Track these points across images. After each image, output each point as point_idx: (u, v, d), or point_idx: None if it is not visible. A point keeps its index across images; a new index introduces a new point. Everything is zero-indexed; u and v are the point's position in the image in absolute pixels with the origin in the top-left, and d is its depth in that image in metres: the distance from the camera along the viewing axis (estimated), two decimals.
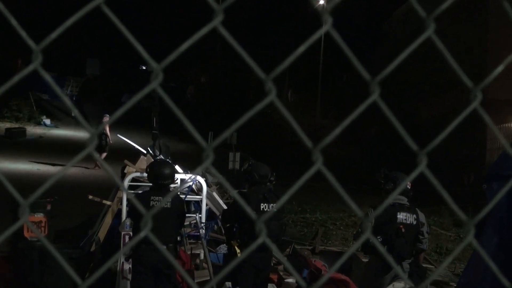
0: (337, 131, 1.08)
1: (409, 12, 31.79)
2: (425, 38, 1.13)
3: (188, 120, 1.04)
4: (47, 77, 0.97)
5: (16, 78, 0.96)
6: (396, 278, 7.18)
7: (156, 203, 7.29)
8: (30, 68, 0.96)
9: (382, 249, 1.21)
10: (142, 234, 1.04)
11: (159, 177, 7.51)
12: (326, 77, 42.20)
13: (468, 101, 1.24)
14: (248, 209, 1.21)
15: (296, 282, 8.05)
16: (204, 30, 1.04)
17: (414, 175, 1.15)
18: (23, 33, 0.96)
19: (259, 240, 1.07)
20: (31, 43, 0.96)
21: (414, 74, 29.58)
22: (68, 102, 0.96)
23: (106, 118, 23.18)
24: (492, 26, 23.70)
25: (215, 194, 11.28)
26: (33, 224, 9.33)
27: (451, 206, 1.16)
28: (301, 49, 1.08)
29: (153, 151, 11.56)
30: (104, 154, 22.96)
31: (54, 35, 0.97)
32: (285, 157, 27.31)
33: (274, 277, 9.33)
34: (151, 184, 7.99)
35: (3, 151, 25.34)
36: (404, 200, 7.62)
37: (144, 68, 22.84)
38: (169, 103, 1.04)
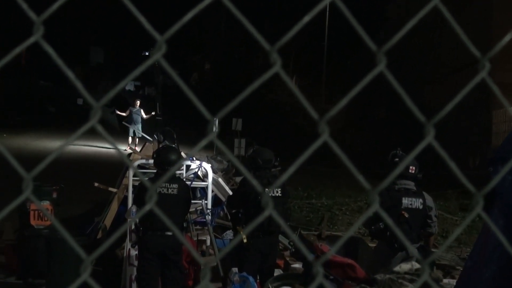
0: (344, 101, 1.07)
1: None
2: (431, 7, 1.12)
3: (192, 93, 1.02)
4: (49, 49, 0.95)
5: (17, 50, 0.95)
6: (403, 261, 7.16)
7: (162, 190, 7.32)
8: (31, 40, 0.94)
9: (390, 221, 1.20)
10: (147, 207, 1.03)
11: (166, 162, 7.54)
12: (331, 62, 42.05)
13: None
14: (255, 182, 1.20)
15: (303, 266, 8.05)
16: (207, 1, 1.03)
17: (421, 146, 1.14)
18: (24, 6, 0.95)
19: (266, 213, 1.07)
20: (32, 15, 0.95)
21: (418, 58, 29.46)
22: (71, 76, 0.94)
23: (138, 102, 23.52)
24: (495, 22, 23.49)
25: (220, 180, 11.27)
26: (38, 212, 9.37)
27: (459, 177, 1.15)
28: (306, 18, 1.07)
29: (158, 138, 11.58)
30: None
31: (55, 6, 0.96)
32: (291, 143, 27.30)
33: (280, 262, 9.34)
34: (156, 171, 8.03)
35: None
36: (411, 185, 7.57)
37: (147, 54, 22.96)
38: (173, 75, 1.03)
